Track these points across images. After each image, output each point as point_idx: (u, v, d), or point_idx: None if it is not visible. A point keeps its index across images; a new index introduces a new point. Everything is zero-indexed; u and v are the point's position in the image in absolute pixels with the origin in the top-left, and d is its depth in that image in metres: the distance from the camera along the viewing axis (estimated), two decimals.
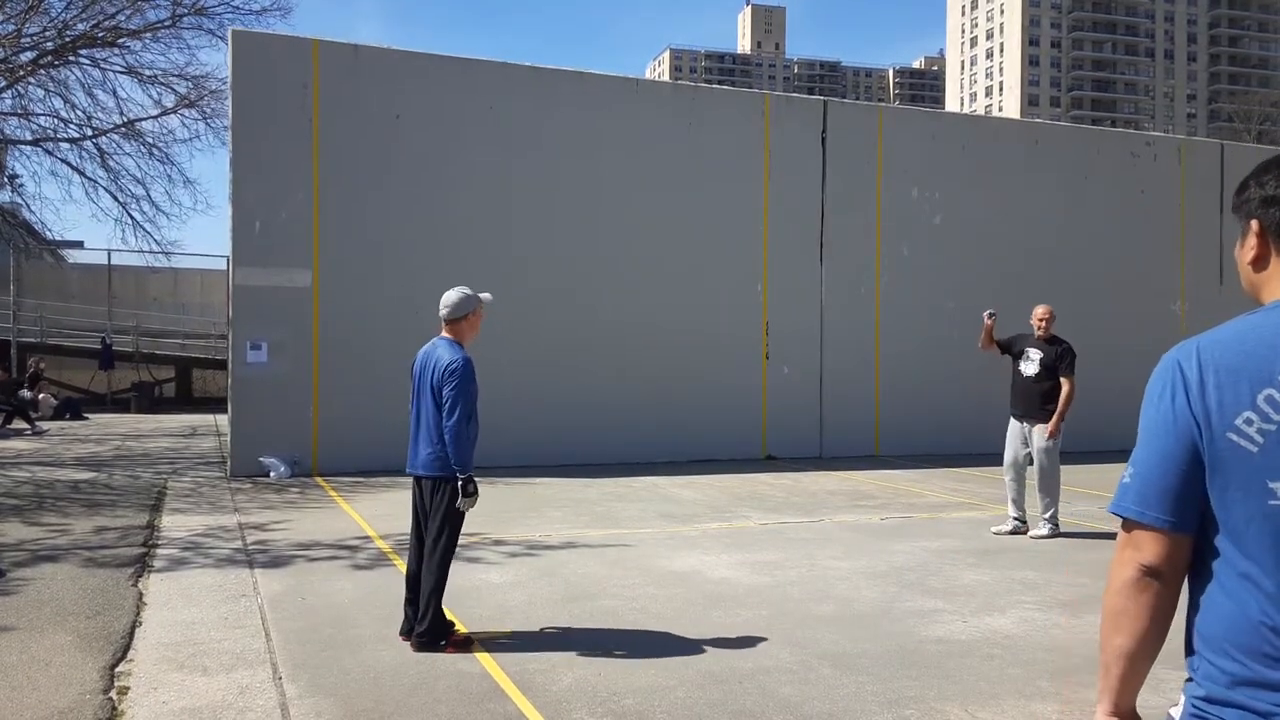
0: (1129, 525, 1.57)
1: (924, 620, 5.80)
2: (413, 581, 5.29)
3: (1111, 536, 8.60)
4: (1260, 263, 1.59)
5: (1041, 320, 8.80)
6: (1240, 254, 1.64)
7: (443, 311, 5.26)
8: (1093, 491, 11.62)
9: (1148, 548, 1.53)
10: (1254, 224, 1.59)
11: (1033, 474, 8.61)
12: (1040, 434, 8.51)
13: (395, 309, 12.78)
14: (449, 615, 5.35)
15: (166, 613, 5.81)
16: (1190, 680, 1.52)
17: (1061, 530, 8.63)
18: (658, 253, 14.01)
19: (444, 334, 5.28)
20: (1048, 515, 8.57)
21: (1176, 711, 1.55)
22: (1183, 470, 1.49)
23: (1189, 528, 1.51)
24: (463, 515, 5.22)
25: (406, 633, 5.21)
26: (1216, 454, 1.46)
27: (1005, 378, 9.07)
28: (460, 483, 5.06)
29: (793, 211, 14.80)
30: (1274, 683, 1.40)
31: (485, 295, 5.33)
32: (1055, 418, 8.44)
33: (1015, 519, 8.77)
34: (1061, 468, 8.77)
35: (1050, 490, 8.56)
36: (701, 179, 14.26)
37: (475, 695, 4.44)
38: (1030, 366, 8.62)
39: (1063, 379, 8.51)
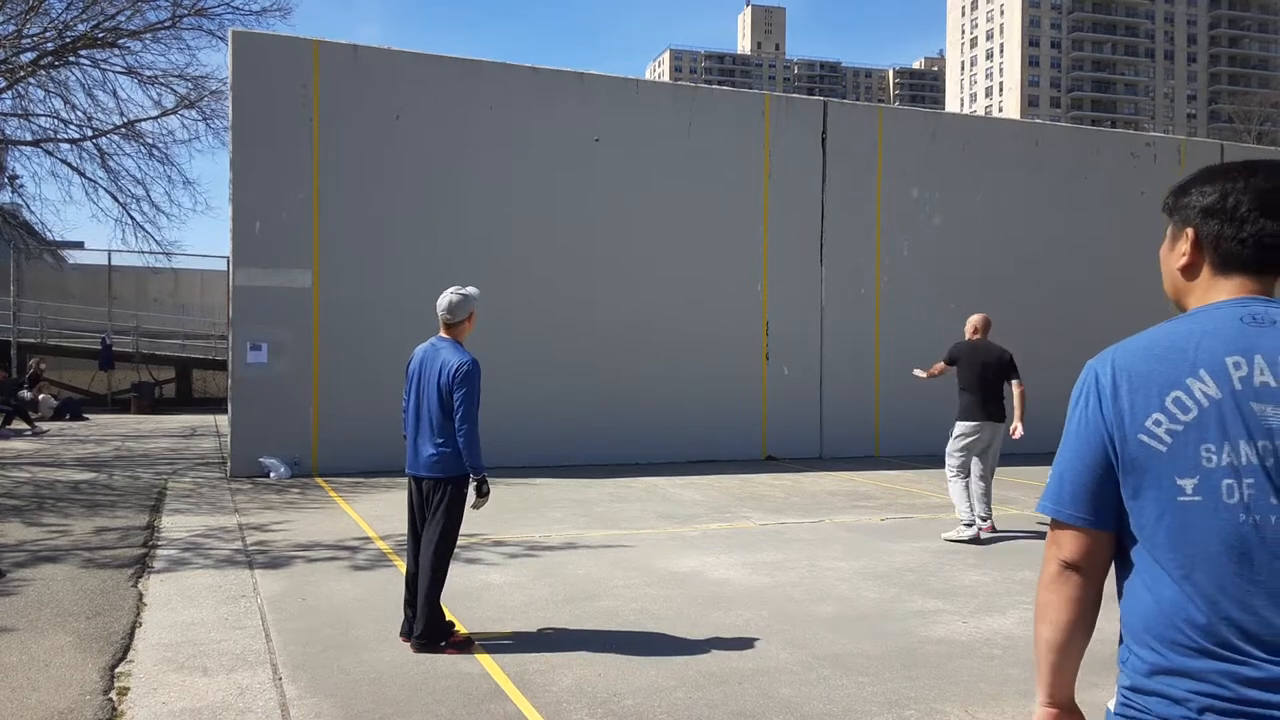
0: (1052, 523, 1.64)
1: (924, 620, 5.80)
2: (412, 582, 5.28)
3: None
4: (1190, 271, 1.63)
5: (973, 330, 8.99)
6: (1168, 257, 1.68)
7: (443, 316, 5.25)
8: None
9: (1066, 543, 1.61)
10: (1190, 232, 1.62)
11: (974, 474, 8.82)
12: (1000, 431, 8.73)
13: (395, 309, 12.78)
14: (448, 616, 5.35)
15: (166, 613, 5.81)
16: (1120, 672, 1.58)
17: (975, 538, 8.43)
18: (657, 253, 14.01)
19: (443, 335, 5.28)
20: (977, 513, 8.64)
21: (1113, 704, 1.59)
22: (1096, 471, 1.57)
23: (1106, 525, 1.58)
24: (461, 516, 5.21)
25: (407, 634, 5.21)
26: (1130, 455, 1.52)
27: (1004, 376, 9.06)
28: (476, 483, 5.07)
29: (793, 211, 14.80)
30: (1188, 670, 1.45)
31: (471, 290, 5.30)
32: (1019, 420, 8.62)
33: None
34: (1041, 469, 9.04)
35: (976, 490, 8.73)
36: (701, 179, 14.26)
37: (475, 696, 4.44)
38: (973, 366, 8.86)
39: (1018, 383, 8.70)
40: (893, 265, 15.39)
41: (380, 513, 9.50)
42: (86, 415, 21.99)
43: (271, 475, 11.87)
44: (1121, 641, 1.59)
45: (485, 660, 4.94)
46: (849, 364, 15.08)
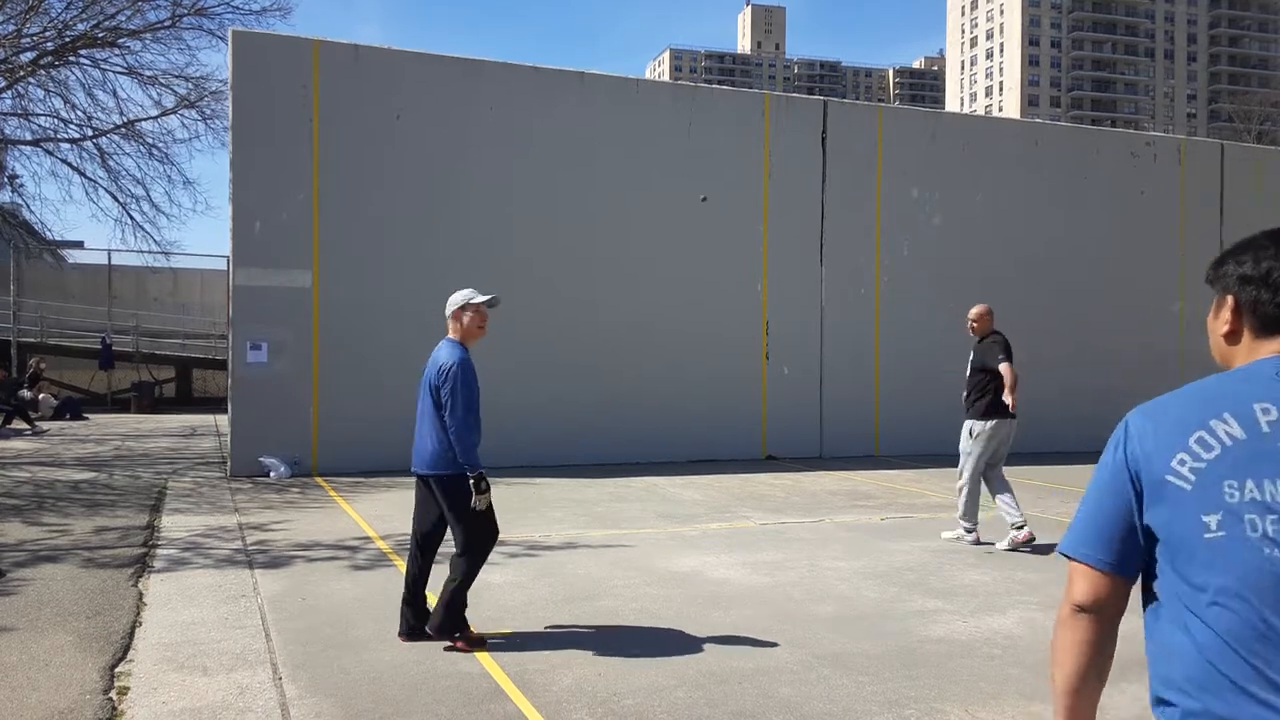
0: (1070, 564, 1.66)
1: (924, 620, 5.80)
2: (412, 583, 5.28)
3: None
4: (1233, 336, 1.67)
5: (970, 323, 8.44)
6: (1213, 325, 1.72)
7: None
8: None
9: (1079, 584, 1.63)
10: (1230, 299, 1.67)
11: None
12: (965, 430, 8.22)
13: (395, 309, 12.79)
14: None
15: (166, 613, 5.81)
16: None
17: (978, 541, 8.11)
18: (658, 253, 14.01)
19: (448, 333, 5.33)
20: (959, 515, 8.24)
21: None
22: (1116, 515, 1.59)
23: (1123, 570, 1.60)
24: (473, 511, 5.18)
25: (405, 633, 5.21)
26: (1159, 498, 1.54)
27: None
28: (472, 481, 5.06)
29: (793, 211, 14.80)
30: (1225, 714, 1.44)
31: (482, 297, 5.31)
32: (1009, 390, 7.93)
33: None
34: (1059, 468, 8.77)
35: (959, 485, 8.20)
36: (702, 179, 14.26)
37: (475, 695, 4.44)
38: (968, 371, 8.36)
39: (1000, 367, 7.99)
40: (893, 265, 15.40)
41: (380, 512, 9.50)
42: (86, 415, 21.99)
43: (271, 475, 11.87)
44: (1151, 688, 1.57)
45: (485, 660, 4.94)
46: (849, 364, 15.08)
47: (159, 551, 7.58)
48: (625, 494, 10.91)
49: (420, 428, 5.21)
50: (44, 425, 19.12)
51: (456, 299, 5.31)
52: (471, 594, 6.27)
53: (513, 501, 10.26)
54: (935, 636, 5.47)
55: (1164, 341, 17.21)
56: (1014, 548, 7.91)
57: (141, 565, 7.08)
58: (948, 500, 10.90)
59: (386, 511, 9.55)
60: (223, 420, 18.15)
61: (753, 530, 8.81)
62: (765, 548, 7.95)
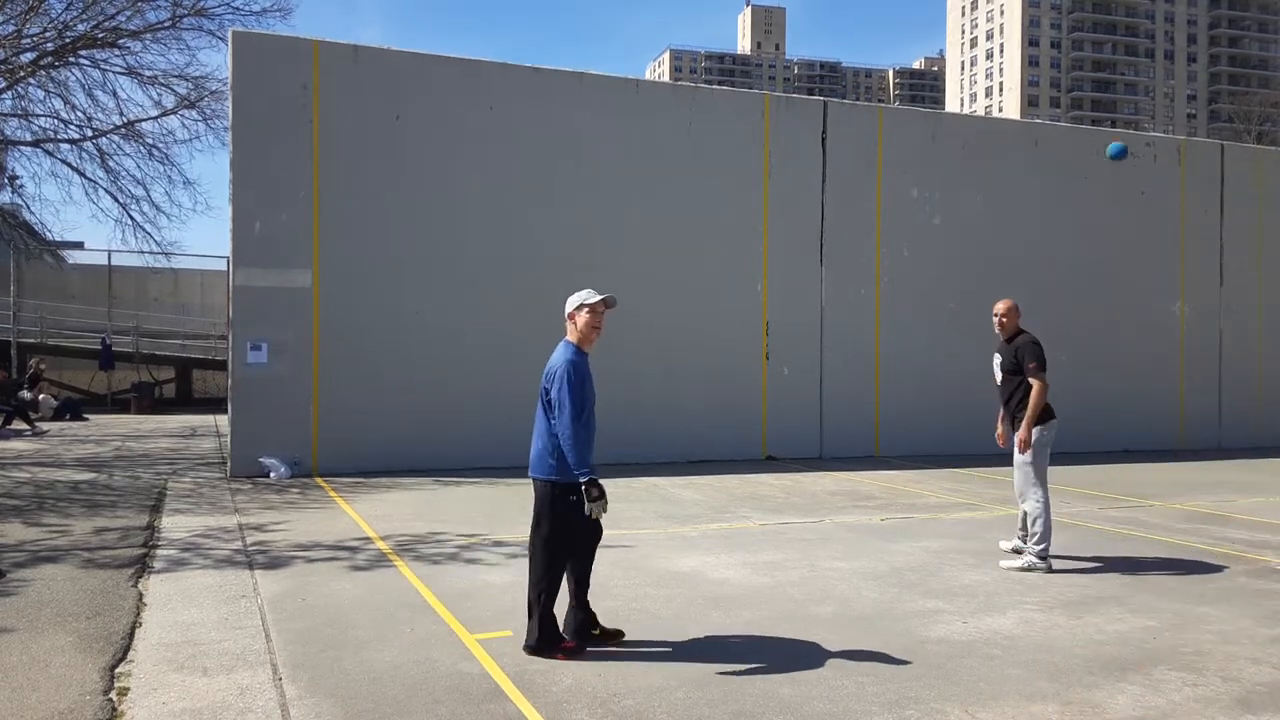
0: None
1: (924, 620, 5.80)
2: (574, 586, 5.16)
3: (1108, 536, 8.56)
4: None
5: (995, 318, 7.65)
6: None
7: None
8: (1090, 492, 11.62)
9: None
10: None
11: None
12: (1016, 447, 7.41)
13: (395, 309, 12.79)
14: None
15: (166, 613, 5.81)
16: None
17: (1050, 568, 7.21)
18: (657, 253, 14.01)
19: (566, 335, 5.24)
20: (1031, 543, 7.31)
21: None
22: None
23: None
24: (563, 520, 4.96)
25: (573, 633, 5.13)
26: None
27: (994, 378, 8.84)
28: (584, 486, 4.86)
29: (793, 211, 14.80)
30: None
31: (597, 296, 5.20)
32: (1024, 424, 7.26)
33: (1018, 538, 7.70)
34: (1058, 468, 8.18)
35: (1032, 510, 7.31)
36: (702, 179, 14.26)
37: (475, 695, 4.44)
38: (997, 373, 7.64)
39: (1030, 379, 7.31)
40: (893, 265, 15.40)
41: (380, 513, 9.49)
42: (86, 415, 21.99)
43: (271, 475, 11.87)
44: None
45: (485, 660, 4.93)
46: (849, 364, 15.08)
47: (159, 552, 7.58)
48: (625, 494, 10.90)
49: (533, 432, 5.15)
50: (44, 426, 19.12)
51: (573, 300, 5.20)
52: (472, 595, 6.29)
53: (513, 501, 10.26)
54: (935, 637, 5.47)
55: (1164, 341, 17.21)
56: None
57: (141, 566, 7.08)
58: (948, 500, 10.89)
59: (386, 512, 9.54)
60: (223, 421, 18.16)
61: (753, 530, 8.81)
62: (765, 548, 7.95)
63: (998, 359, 7.62)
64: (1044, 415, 7.37)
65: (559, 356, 5.06)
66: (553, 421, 4.96)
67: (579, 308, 5.17)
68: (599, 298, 5.19)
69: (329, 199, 12.53)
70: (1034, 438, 7.31)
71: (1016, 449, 7.36)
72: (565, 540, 5.02)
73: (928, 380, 15.34)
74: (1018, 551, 7.57)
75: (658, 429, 13.85)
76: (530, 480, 5.16)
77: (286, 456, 12.07)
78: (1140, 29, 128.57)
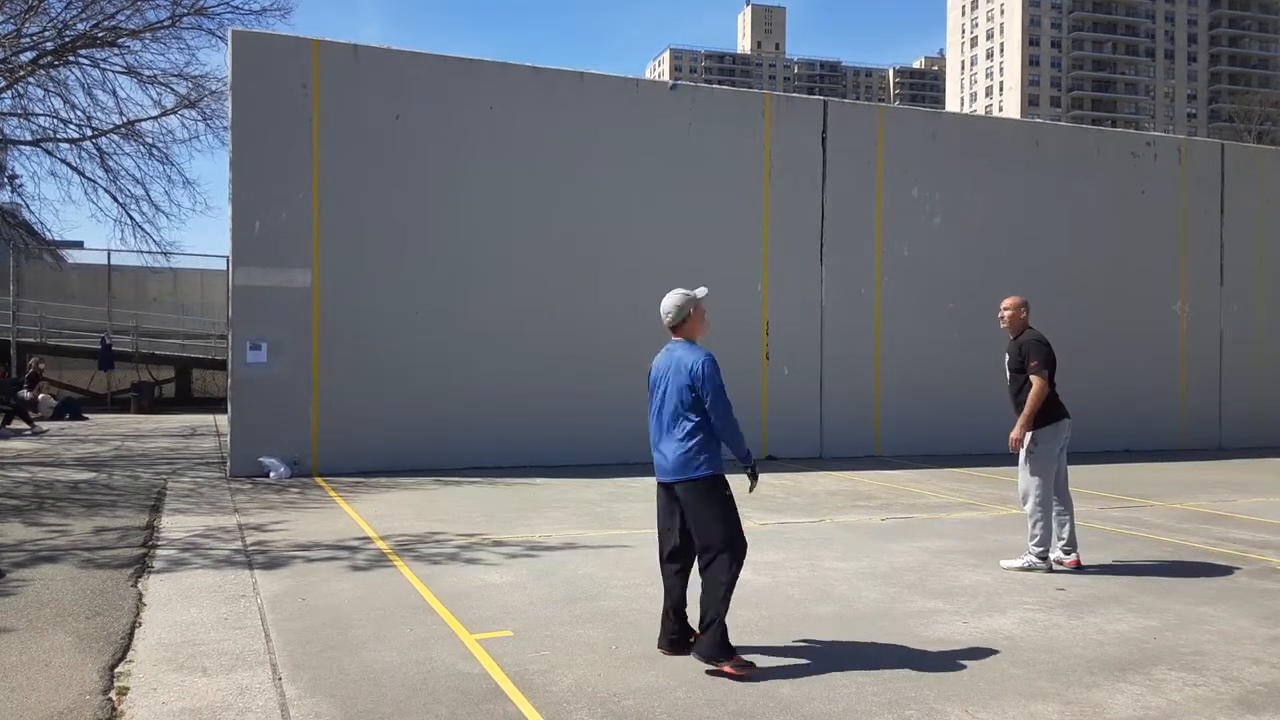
0: None
1: (924, 620, 5.80)
2: (676, 593, 5.03)
3: (1108, 535, 8.54)
4: None
5: (1000, 314, 7.55)
6: None
7: (666, 319, 5.15)
8: (1090, 492, 11.61)
9: None
10: None
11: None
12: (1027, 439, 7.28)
13: (395, 309, 12.79)
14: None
15: (166, 613, 5.81)
16: None
17: (1050, 568, 7.16)
18: (657, 252, 14.01)
19: (675, 338, 5.17)
20: (1030, 543, 7.23)
21: None
22: None
23: None
24: (729, 512, 4.92)
25: (668, 646, 5.02)
26: None
27: (1004, 377, 8.81)
28: (750, 470, 5.01)
29: (793, 211, 14.80)
30: None
31: (701, 290, 5.20)
32: (1018, 423, 7.18)
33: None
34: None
35: (1031, 511, 7.22)
36: (701, 179, 14.26)
37: (475, 696, 4.43)
38: (1007, 371, 7.51)
39: (1031, 376, 7.18)
40: (893, 265, 15.39)
41: (380, 512, 9.49)
42: (86, 415, 21.99)
43: (271, 475, 11.86)
44: None
45: (485, 660, 4.93)
46: (849, 364, 15.08)
47: (158, 552, 7.58)
48: (625, 494, 10.90)
49: (662, 434, 5.04)
50: (43, 425, 19.12)
51: (684, 301, 5.11)
52: (472, 595, 6.28)
53: (512, 501, 10.26)
54: (935, 637, 5.46)
55: (1164, 341, 17.21)
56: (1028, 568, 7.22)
57: (141, 566, 7.08)
58: (948, 500, 10.89)
59: (386, 511, 9.54)
60: (222, 420, 18.16)
61: (753, 530, 8.78)
62: (765, 548, 7.94)
63: (1007, 357, 7.53)
64: (1053, 415, 7.25)
65: (693, 356, 4.98)
66: (689, 423, 4.93)
67: (696, 306, 5.15)
68: (702, 293, 5.23)
69: (329, 198, 12.52)
70: (1035, 438, 7.23)
71: (1024, 450, 7.30)
72: (739, 526, 4.97)
73: (928, 380, 15.34)
74: (1060, 562, 7.27)
75: None
76: (677, 483, 4.95)
77: (286, 456, 12.07)
78: (1140, 29, 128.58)
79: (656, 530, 5.17)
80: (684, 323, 5.14)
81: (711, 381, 4.93)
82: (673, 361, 5.06)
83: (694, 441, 4.92)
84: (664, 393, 5.08)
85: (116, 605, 5.98)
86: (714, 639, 4.74)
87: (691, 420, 4.94)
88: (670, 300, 5.14)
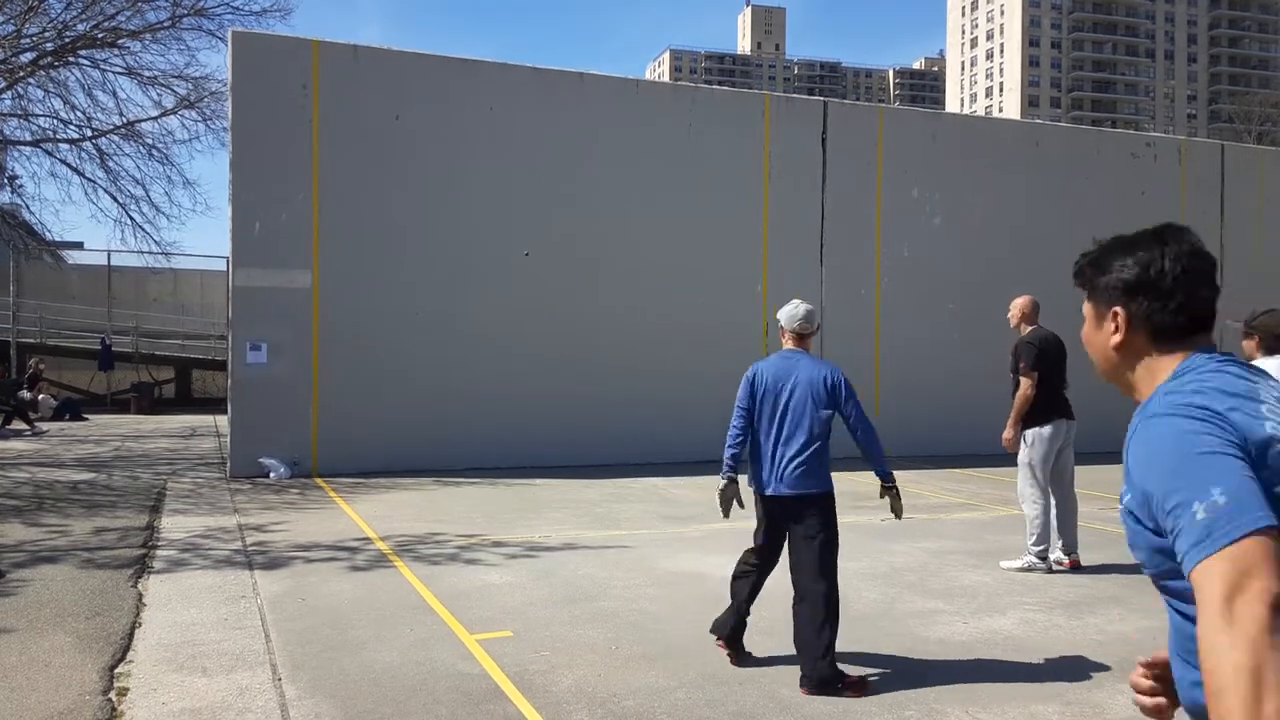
0: (1256, 544, 1.27)
1: (924, 621, 5.80)
2: (749, 594, 5.02)
3: (1108, 536, 8.53)
4: (1125, 348, 1.64)
5: (1009, 318, 7.66)
6: (1096, 337, 1.69)
7: (796, 325, 5.03)
8: (1090, 492, 11.60)
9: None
10: (1119, 310, 1.65)
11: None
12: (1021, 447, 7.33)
13: (395, 309, 12.79)
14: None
15: (166, 614, 5.81)
16: None
17: (1050, 569, 7.17)
18: (657, 253, 14.01)
19: (794, 346, 5.03)
20: (1029, 543, 7.23)
21: None
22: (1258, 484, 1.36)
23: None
24: (837, 530, 4.86)
25: (727, 638, 4.97)
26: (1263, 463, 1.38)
27: (1004, 377, 8.82)
28: (892, 486, 4.95)
29: (793, 212, 14.80)
30: None
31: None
32: (1008, 423, 7.25)
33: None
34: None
35: (1029, 511, 7.24)
36: (702, 179, 14.26)
37: (475, 696, 4.43)
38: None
39: (1021, 377, 7.23)
40: (893, 265, 15.39)
41: (380, 513, 9.49)
42: (86, 415, 21.98)
43: (271, 476, 11.86)
44: None
45: (485, 660, 4.93)
46: (849, 364, 14.89)
47: (158, 552, 7.58)
48: (625, 494, 10.90)
49: (782, 445, 4.81)
50: (43, 426, 19.11)
51: (810, 314, 5.08)
52: (472, 595, 6.28)
53: (512, 502, 10.26)
54: (935, 637, 5.46)
55: None
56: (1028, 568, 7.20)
57: (141, 566, 7.08)
58: (948, 501, 10.89)
59: (386, 512, 9.54)
60: (222, 421, 18.14)
61: (752, 530, 8.79)
62: None
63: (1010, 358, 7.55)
64: (1049, 415, 7.25)
65: (827, 368, 4.89)
66: (820, 438, 4.78)
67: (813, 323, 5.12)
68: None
69: (329, 199, 12.52)
70: (1030, 438, 7.23)
71: (1022, 447, 7.30)
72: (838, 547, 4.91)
73: (928, 380, 15.33)
74: (1060, 562, 7.31)
75: (658, 429, 13.85)
76: (798, 497, 4.79)
77: (286, 457, 12.07)
78: (1140, 29, 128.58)
79: (757, 540, 5.04)
80: (812, 334, 5.11)
81: (854, 396, 4.83)
82: (798, 370, 4.85)
83: (823, 455, 4.82)
84: (788, 403, 4.79)
85: (116, 606, 5.98)
86: (828, 665, 4.56)
87: (822, 434, 4.82)
88: (804, 308, 5.08)
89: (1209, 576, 1.27)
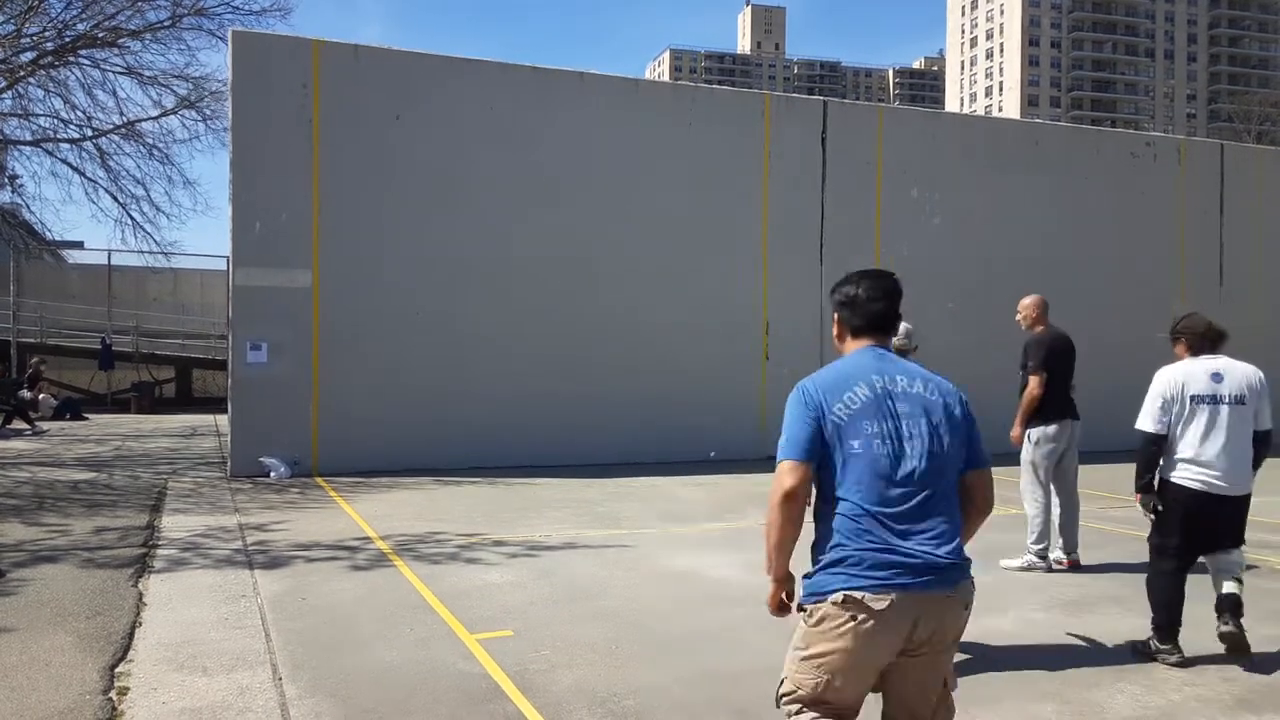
0: (782, 464, 2.85)
1: None
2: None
3: (1108, 536, 8.55)
4: (840, 337, 3.09)
5: (1020, 318, 7.68)
6: (834, 328, 3.11)
7: (904, 342, 5.70)
8: (1090, 492, 11.61)
9: (789, 476, 2.84)
10: (835, 315, 3.08)
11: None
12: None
13: (395, 309, 12.79)
14: None
15: (166, 613, 5.81)
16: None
17: (1050, 568, 7.22)
18: (657, 253, 14.01)
19: (902, 357, 5.22)
20: (1029, 542, 7.28)
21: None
22: (812, 434, 2.80)
23: (814, 460, 2.81)
24: None
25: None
26: (828, 427, 2.79)
27: (1004, 377, 8.88)
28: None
29: (793, 212, 14.80)
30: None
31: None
32: (1015, 421, 7.30)
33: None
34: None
35: (1030, 510, 7.35)
36: (701, 179, 14.26)
37: (475, 695, 4.44)
38: None
39: (1030, 376, 7.28)
40: (893, 265, 15.26)
41: (380, 512, 9.49)
42: (86, 415, 21.98)
43: (271, 475, 11.86)
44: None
45: (485, 659, 4.93)
46: None
47: (159, 552, 7.58)
48: (625, 494, 10.91)
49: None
50: (44, 425, 19.12)
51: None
52: (472, 594, 6.28)
53: (513, 501, 10.26)
54: None
55: (1163, 341, 17.19)
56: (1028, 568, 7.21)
57: (141, 565, 7.08)
58: None
59: (386, 511, 9.54)
60: (223, 420, 18.14)
61: (753, 530, 8.81)
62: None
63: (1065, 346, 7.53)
64: (1053, 415, 7.25)
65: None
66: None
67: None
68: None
69: (329, 199, 12.53)
70: (1034, 436, 7.27)
71: (1026, 446, 7.33)
72: None
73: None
74: (1059, 562, 7.30)
75: (657, 428, 13.85)
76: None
77: (286, 456, 12.07)
78: (1140, 29, 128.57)
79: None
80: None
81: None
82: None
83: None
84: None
85: (117, 605, 5.99)
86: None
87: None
88: (909, 325, 5.66)
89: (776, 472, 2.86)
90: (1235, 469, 5.11)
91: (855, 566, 2.74)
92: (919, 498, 2.74)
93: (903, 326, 5.25)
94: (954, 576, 2.73)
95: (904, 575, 2.68)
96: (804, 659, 2.82)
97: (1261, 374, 5.24)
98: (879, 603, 2.66)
